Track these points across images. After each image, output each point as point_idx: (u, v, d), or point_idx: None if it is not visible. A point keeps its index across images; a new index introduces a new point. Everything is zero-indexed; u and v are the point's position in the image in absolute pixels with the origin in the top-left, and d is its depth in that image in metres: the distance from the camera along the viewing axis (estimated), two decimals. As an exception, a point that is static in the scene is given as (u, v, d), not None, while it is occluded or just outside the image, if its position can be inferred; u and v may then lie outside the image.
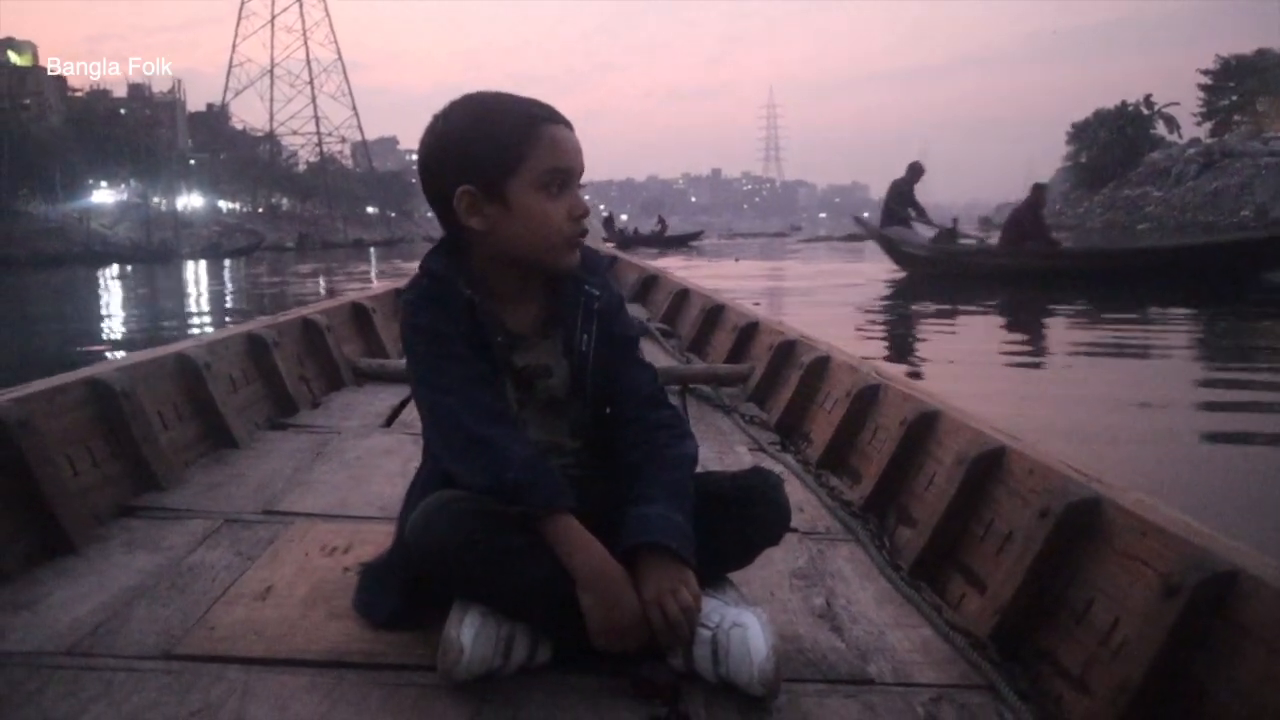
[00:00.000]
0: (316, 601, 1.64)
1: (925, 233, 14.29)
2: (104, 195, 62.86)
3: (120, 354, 3.02)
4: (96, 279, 27.01)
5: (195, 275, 28.91)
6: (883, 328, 10.31)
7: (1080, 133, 79.23)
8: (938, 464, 2.09)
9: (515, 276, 1.52)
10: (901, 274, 14.95)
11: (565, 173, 1.44)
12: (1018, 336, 9.58)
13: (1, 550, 1.73)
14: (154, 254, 45.41)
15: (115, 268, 35.16)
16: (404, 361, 4.27)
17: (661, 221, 48.12)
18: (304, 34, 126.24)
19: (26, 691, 1.33)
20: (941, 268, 13.83)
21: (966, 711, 1.39)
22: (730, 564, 1.57)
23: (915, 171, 14.04)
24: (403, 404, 3.34)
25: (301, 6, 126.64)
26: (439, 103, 1.48)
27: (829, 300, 13.27)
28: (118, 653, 1.45)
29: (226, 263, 40.25)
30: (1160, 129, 74.37)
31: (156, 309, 16.81)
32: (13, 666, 1.40)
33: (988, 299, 11.75)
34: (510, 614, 1.37)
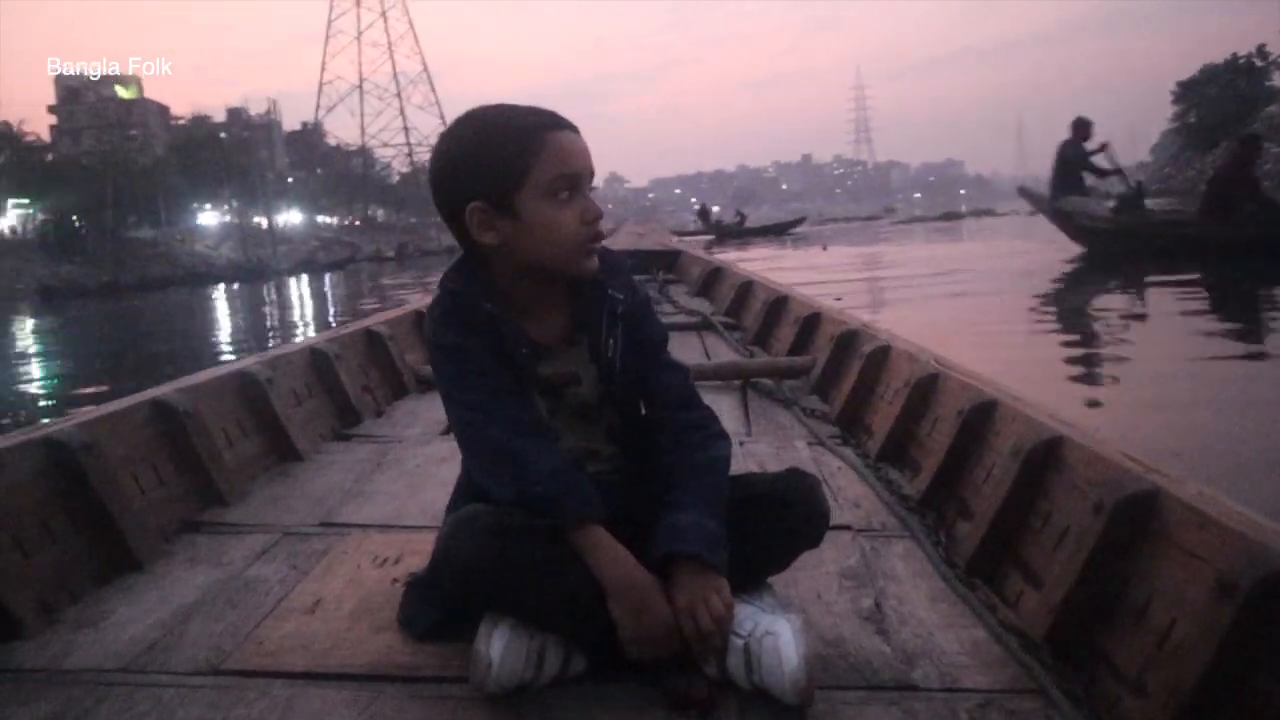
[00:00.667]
0: (362, 614, 1.67)
1: (1103, 198, 12.52)
2: (207, 217, 65.58)
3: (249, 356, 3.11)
4: (198, 299, 28.02)
5: (297, 292, 29.65)
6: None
7: (1187, 91, 75.55)
8: (996, 455, 2.00)
9: (536, 286, 1.51)
10: (1046, 252, 13.16)
11: (573, 178, 1.42)
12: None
13: (72, 570, 1.81)
14: (251, 272, 46.96)
15: (221, 287, 36.58)
16: None
17: (740, 215, 47.24)
18: (389, 48, 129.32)
19: (83, 708, 1.38)
20: (1131, 242, 11.75)
21: (1015, 718, 1.32)
22: (768, 568, 1.55)
23: (1083, 129, 12.13)
24: None
25: (386, 21, 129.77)
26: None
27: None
28: (170, 669, 1.50)
29: (328, 277, 41.44)
30: (1276, 80, 70.57)
31: (260, 326, 17.41)
32: (73, 685, 1.46)
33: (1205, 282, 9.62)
34: (541, 626, 1.37)
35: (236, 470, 2.43)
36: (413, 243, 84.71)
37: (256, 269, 48.46)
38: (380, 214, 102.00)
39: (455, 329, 1.47)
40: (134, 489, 2.06)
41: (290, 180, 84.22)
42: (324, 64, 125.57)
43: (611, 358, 1.52)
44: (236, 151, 70.25)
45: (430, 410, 3.44)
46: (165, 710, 1.37)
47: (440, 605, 1.54)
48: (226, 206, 65.93)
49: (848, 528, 2.03)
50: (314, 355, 3.16)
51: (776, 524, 1.49)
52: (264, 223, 68.95)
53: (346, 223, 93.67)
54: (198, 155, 62.02)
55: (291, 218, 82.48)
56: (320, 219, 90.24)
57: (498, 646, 1.33)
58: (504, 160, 1.40)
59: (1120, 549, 1.45)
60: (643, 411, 1.58)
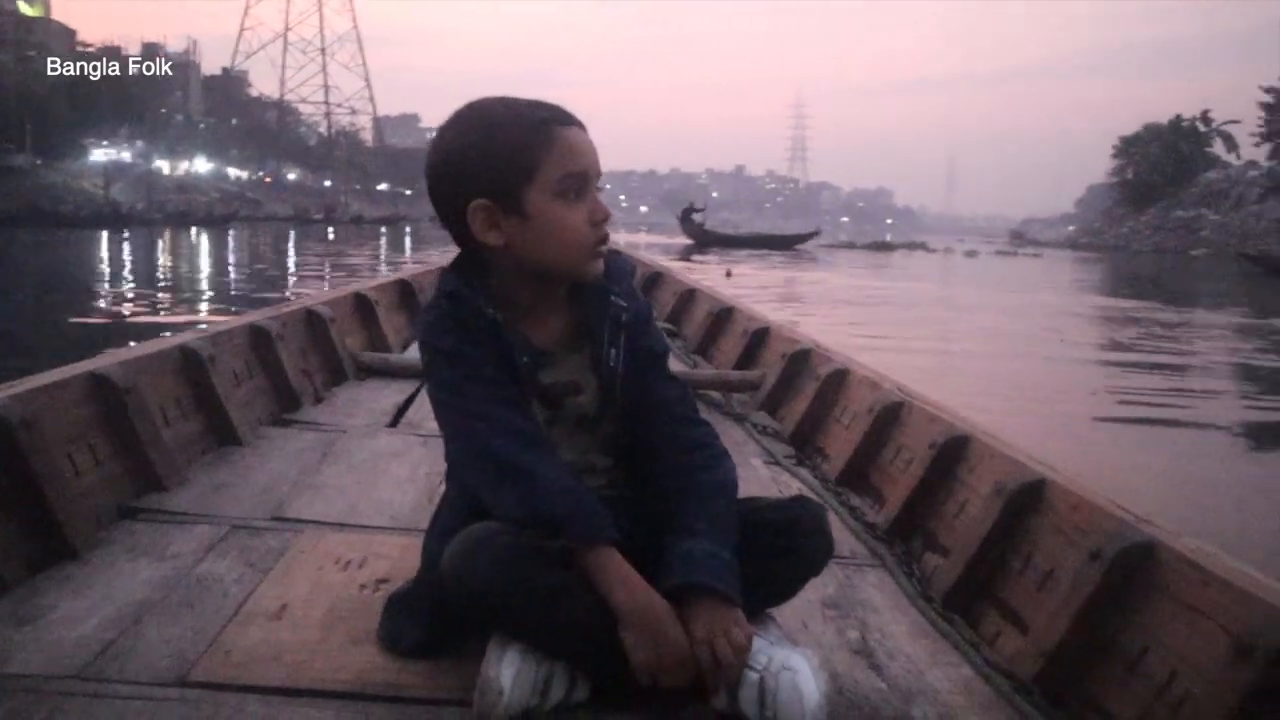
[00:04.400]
0: (335, 623, 1.60)
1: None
2: (104, 154, 63.11)
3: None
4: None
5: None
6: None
7: (1128, 147, 78.58)
8: (969, 491, 2.05)
9: (538, 290, 1.47)
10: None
11: (581, 176, 1.40)
12: None
13: (2, 557, 1.68)
14: (109, 219, 42.54)
15: (105, 235, 33.86)
16: (408, 356, 4.27)
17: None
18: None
19: None
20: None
21: None
22: (773, 599, 1.53)
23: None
24: (408, 402, 3.38)
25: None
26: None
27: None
28: (130, 678, 1.40)
29: (208, 236, 38.36)
30: (1217, 148, 73.67)
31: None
32: (20, 692, 1.34)
33: None
34: (549, 652, 1.34)
35: (175, 453, 2.32)
36: (342, 207, 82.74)
37: (116, 217, 43.97)
38: (294, 174, 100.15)
39: (454, 333, 1.42)
40: (69, 469, 1.93)
41: (202, 126, 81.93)
42: (247, 7, 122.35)
43: (614, 367, 1.49)
44: (145, 90, 67.88)
45: (373, 399, 3.38)
46: None
47: (426, 621, 1.49)
48: (125, 146, 63.71)
49: None
50: (254, 333, 3.04)
51: (785, 554, 1.48)
52: (164, 167, 66.80)
53: (257, 178, 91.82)
54: (95, 87, 59.24)
55: (197, 166, 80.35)
56: (231, 171, 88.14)
57: (508, 674, 1.29)
58: (511, 156, 1.37)
59: (1113, 598, 1.49)
60: (640, 426, 1.54)
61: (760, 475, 2.64)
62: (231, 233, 42.76)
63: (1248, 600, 1.27)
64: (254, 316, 3.23)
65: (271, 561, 1.86)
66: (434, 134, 1.49)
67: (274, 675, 1.42)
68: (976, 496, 1.98)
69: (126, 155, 63.95)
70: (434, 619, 1.48)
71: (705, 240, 38.36)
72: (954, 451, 2.15)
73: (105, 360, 2.26)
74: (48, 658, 1.44)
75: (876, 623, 1.76)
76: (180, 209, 53.80)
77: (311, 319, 3.59)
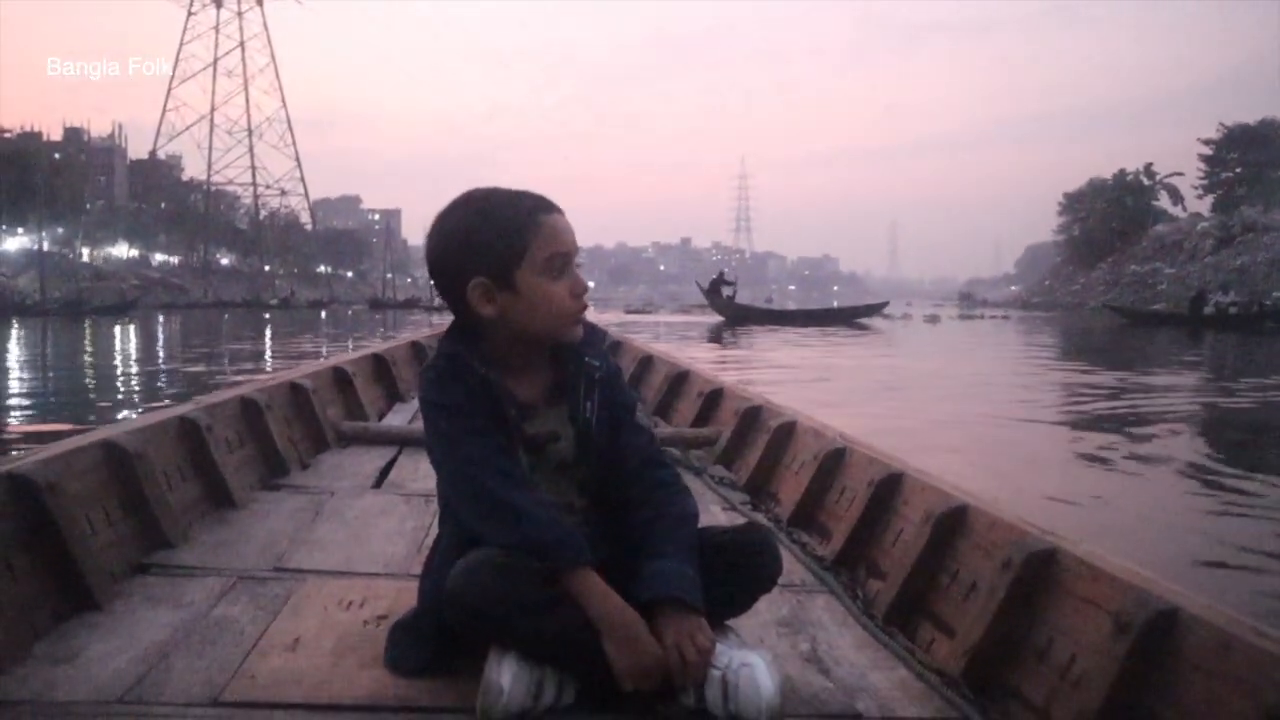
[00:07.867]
0: (345, 652, 1.83)
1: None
2: (18, 241, 62.35)
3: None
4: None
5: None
6: None
7: (1074, 203, 79.76)
8: (904, 521, 2.37)
9: (524, 352, 1.78)
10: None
11: (565, 256, 1.72)
12: None
13: (33, 607, 1.89)
14: None
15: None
16: (386, 425, 4.55)
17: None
18: (245, 79, 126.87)
19: None
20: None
21: None
22: (732, 610, 1.81)
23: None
24: (389, 465, 3.68)
25: (244, 51, 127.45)
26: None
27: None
28: (167, 700, 1.61)
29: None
30: (1163, 201, 75.24)
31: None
32: (68, 716, 1.55)
33: None
34: (540, 659, 1.59)
35: (180, 514, 2.56)
36: (289, 288, 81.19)
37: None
38: (227, 258, 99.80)
39: (452, 389, 1.71)
40: (87, 528, 2.15)
41: (122, 212, 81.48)
42: (170, 89, 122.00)
43: (589, 418, 1.79)
44: (61, 175, 67.50)
45: (355, 465, 3.67)
46: None
47: (430, 645, 1.73)
48: (43, 232, 63.12)
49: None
50: (245, 404, 3.33)
51: (741, 571, 1.77)
52: (84, 253, 66.01)
53: (185, 263, 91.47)
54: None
55: (118, 251, 79.83)
56: (159, 256, 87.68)
57: (508, 675, 1.54)
58: (505, 240, 1.68)
59: (1024, 599, 1.80)
60: (611, 470, 1.82)
61: (719, 520, 2.95)
62: (158, 321, 40.56)
63: (1125, 587, 1.59)
64: (244, 390, 3.53)
65: (279, 605, 2.09)
66: (432, 222, 1.78)
67: (296, 694, 1.65)
68: (910, 525, 2.31)
69: (40, 242, 63.23)
70: (434, 643, 1.72)
71: (738, 316, 33.60)
72: (889, 488, 2.48)
73: (116, 429, 2.52)
74: (89, 687, 1.65)
75: (824, 637, 2.05)
76: (71, 298, 50.68)
77: (295, 391, 3.89)
